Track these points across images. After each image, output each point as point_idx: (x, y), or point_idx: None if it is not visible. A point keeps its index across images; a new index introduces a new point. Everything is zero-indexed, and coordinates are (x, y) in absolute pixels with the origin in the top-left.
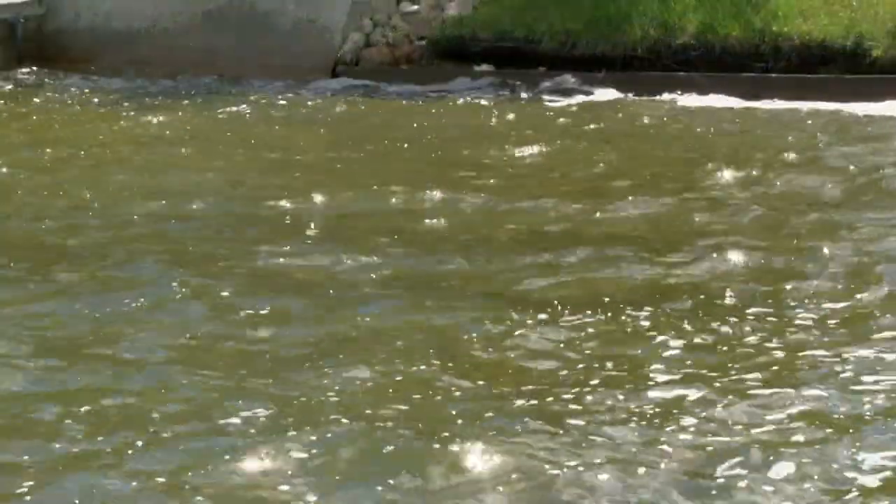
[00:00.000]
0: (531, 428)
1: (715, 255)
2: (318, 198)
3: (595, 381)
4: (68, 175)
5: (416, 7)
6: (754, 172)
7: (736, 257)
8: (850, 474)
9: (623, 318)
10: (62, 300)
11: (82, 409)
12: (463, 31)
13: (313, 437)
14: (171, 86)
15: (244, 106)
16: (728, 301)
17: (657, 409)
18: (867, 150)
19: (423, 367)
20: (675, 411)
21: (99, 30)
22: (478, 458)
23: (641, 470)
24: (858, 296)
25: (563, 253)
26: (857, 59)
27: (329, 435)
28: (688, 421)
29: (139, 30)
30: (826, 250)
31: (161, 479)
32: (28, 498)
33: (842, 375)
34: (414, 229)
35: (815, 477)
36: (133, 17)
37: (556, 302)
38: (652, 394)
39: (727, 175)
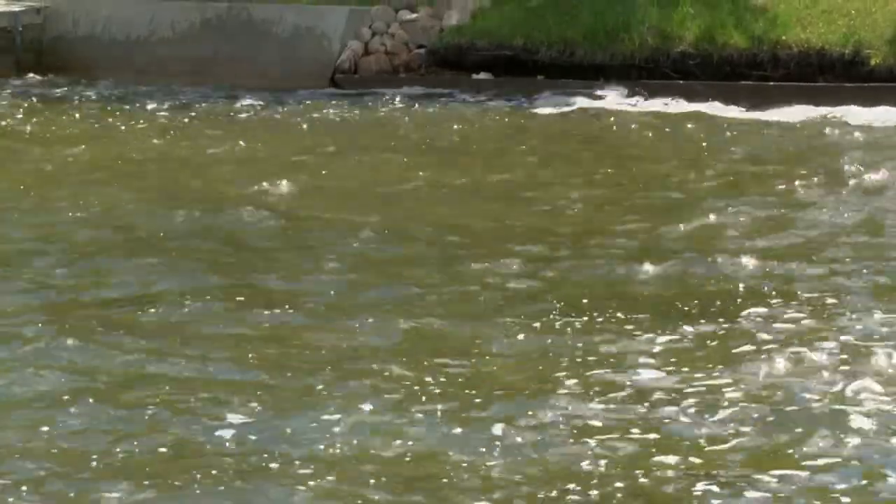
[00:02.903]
0: None
1: None
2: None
3: None
4: None
5: (414, 15)
6: None
7: None
8: None
9: None
10: None
11: None
12: (461, 40)
13: None
14: (164, 94)
15: (240, 114)
16: None
17: None
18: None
19: None
20: None
21: (97, 38)
22: None
23: None
24: None
25: None
26: (856, 67)
27: None
28: None
29: (138, 38)
30: None
31: None
32: None
33: None
34: None
35: None
36: (132, 25)
37: None
38: None
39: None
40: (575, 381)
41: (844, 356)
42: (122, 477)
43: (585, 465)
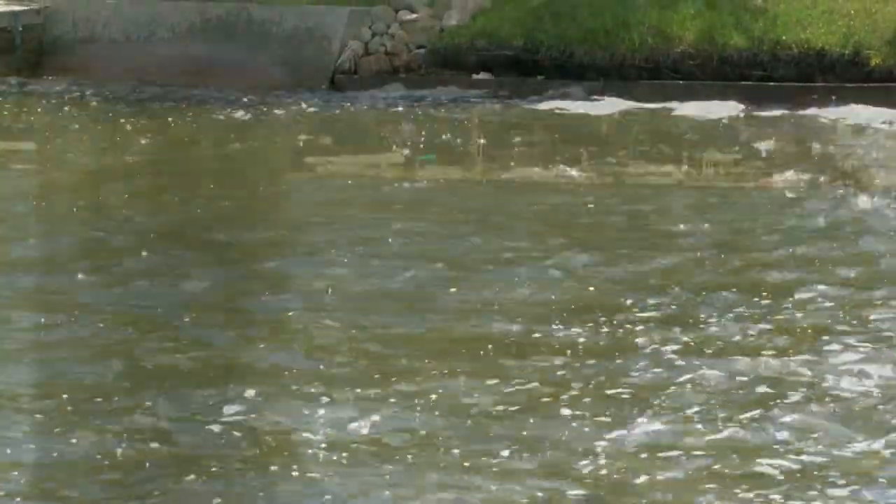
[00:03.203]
0: None
1: None
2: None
3: None
4: None
5: (414, 16)
6: None
7: None
8: None
9: None
10: None
11: None
12: (461, 40)
13: None
14: (164, 95)
15: (240, 114)
16: None
17: None
18: None
19: None
20: None
21: (97, 38)
22: None
23: None
24: None
25: None
26: (856, 68)
27: None
28: None
29: (138, 38)
30: None
31: None
32: None
33: None
34: None
35: None
36: (131, 26)
37: None
38: None
39: None
40: (579, 383)
41: (846, 356)
42: (122, 473)
43: (588, 463)
